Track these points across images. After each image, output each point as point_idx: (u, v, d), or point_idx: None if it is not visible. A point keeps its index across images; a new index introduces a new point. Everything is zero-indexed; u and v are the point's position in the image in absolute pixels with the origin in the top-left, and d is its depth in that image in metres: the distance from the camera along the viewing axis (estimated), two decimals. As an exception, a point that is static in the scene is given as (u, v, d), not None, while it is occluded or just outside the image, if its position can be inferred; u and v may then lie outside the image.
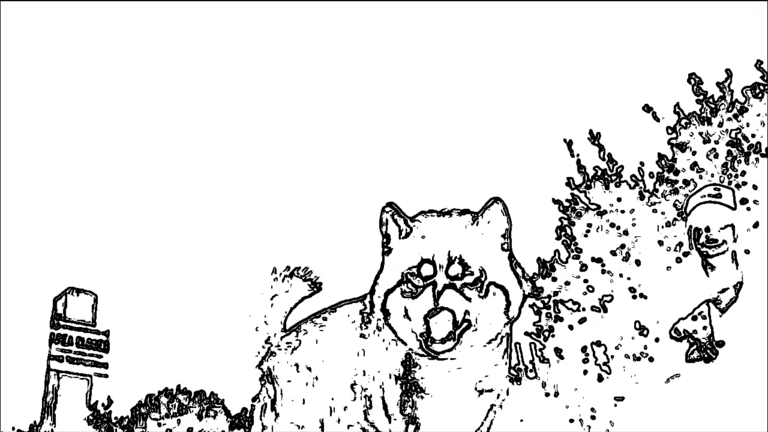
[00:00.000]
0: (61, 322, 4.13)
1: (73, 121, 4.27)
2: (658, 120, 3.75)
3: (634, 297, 3.63)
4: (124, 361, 4.12)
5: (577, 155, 3.79)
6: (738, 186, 3.63)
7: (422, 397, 3.14)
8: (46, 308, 4.13)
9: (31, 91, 4.28)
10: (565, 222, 3.76)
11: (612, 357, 3.60)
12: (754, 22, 3.89)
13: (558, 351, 3.65)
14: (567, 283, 3.70)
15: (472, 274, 3.05)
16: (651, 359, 3.58)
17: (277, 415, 3.32)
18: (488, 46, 4.11)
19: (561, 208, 3.78)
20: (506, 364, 3.17)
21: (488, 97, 4.06)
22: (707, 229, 3.58)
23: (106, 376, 4.16)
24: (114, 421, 4.05)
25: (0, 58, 4.28)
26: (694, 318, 3.56)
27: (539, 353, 3.66)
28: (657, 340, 3.59)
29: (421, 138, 4.06)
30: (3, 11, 4.33)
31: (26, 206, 4.17)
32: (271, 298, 3.45)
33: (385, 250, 3.15)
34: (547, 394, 3.62)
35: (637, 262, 3.66)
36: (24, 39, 4.32)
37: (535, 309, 3.70)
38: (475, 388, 3.14)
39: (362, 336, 3.23)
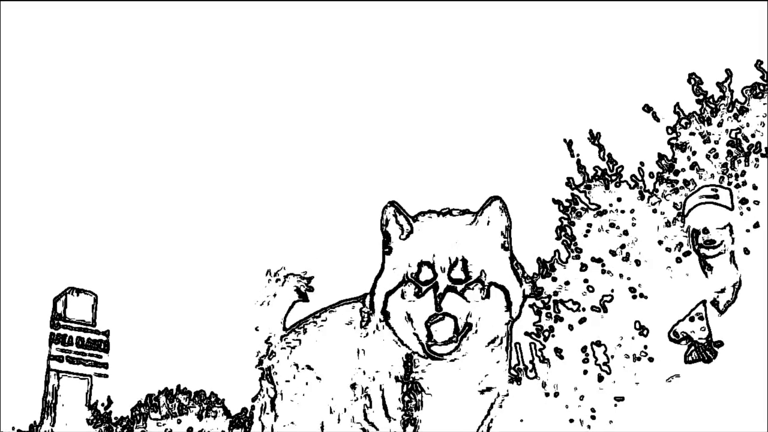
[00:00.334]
0: (61, 322, 4.13)
1: (73, 122, 4.27)
2: (658, 120, 3.75)
3: (634, 297, 3.63)
4: (124, 361, 4.12)
5: (577, 155, 3.79)
6: (738, 186, 3.63)
7: (422, 398, 3.14)
8: (46, 308, 4.13)
9: (31, 91, 4.28)
10: (565, 222, 3.76)
11: (612, 357, 3.60)
12: (754, 22, 3.89)
13: (558, 351, 3.65)
14: (567, 283, 3.70)
15: (473, 275, 3.05)
16: (651, 359, 3.58)
17: (276, 414, 3.31)
18: (488, 46, 4.11)
19: (561, 208, 3.77)
20: (507, 363, 3.17)
21: (488, 97, 4.06)
22: (705, 230, 3.58)
23: (106, 376, 4.16)
24: (114, 421, 4.05)
25: (0, 58, 4.28)
26: (692, 319, 3.57)
27: (539, 353, 3.66)
28: (656, 340, 3.59)
29: (422, 138, 4.06)
30: (3, 11, 4.33)
31: (26, 206, 4.17)
32: (267, 302, 3.45)
33: (386, 250, 3.15)
34: (547, 394, 3.62)
35: (637, 262, 3.66)
36: (24, 39, 4.32)
37: (535, 309, 3.70)
38: (477, 388, 3.14)
39: (362, 335, 3.23)
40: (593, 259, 3.70)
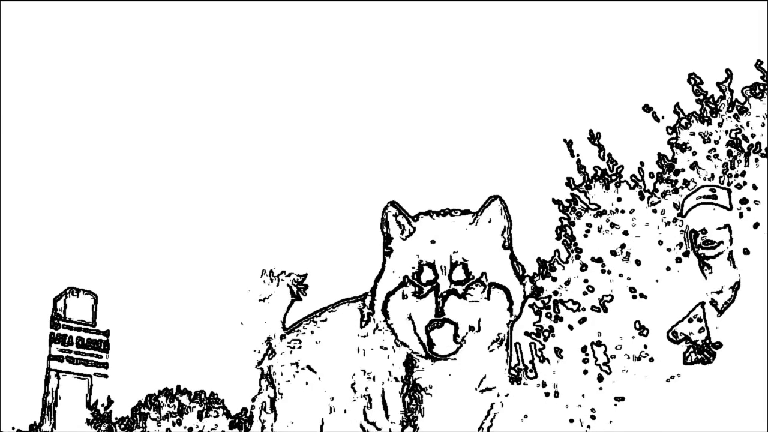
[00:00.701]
0: (61, 322, 4.13)
1: (73, 122, 4.27)
2: (658, 120, 3.75)
3: (634, 297, 3.63)
4: (124, 361, 4.12)
5: (577, 155, 3.79)
6: (738, 186, 3.63)
7: (422, 398, 3.14)
8: (46, 308, 4.13)
9: (31, 91, 4.28)
10: (565, 222, 3.76)
11: (612, 357, 3.60)
12: (754, 22, 3.89)
13: (558, 351, 3.65)
14: (567, 283, 3.70)
15: (474, 276, 3.05)
16: (651, 359, 3.58)
17: (276, 414, 3.31)
18: (488, 47, 4.11)
19: (561, 208, 3.77)
20: (507, 363, 3.17)
21: (488, 97, 4.06)
22: (704, 231, 3.58)
23: (106, 376, 4.15)
24: (114, 421, 4.05)
25: (0, 58, 4.28)
26: (690, 321, 3.57)
27: (539, 353, 3.66)
28: (656, 340, 3.59)
29: (422, 138, 4.06)
30: (3, 11, 4.33)
31: (26, 206, 4.17)
32: (266, 299, 3.45)
33: (386, 250, 3.15)
34: (547, 394, 3.62)
35: (637, 262, 3.66)
36: (24, 39, 4.32)
37: (535, 309, 3.70)
38: (477, 387, 3.14)
39: (362, 335, 3.23)
40: (593, 259, 3.70)
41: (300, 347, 3.33)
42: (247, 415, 3.80)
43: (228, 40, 4.26)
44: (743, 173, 3.64)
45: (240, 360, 3.45)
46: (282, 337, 3.39)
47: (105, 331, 4.18)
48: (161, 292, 3.99)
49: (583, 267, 3.69)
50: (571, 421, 3.58)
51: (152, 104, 4.25)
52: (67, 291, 4.14)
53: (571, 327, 3.66)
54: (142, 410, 4.02)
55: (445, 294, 3.04)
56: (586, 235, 3.73)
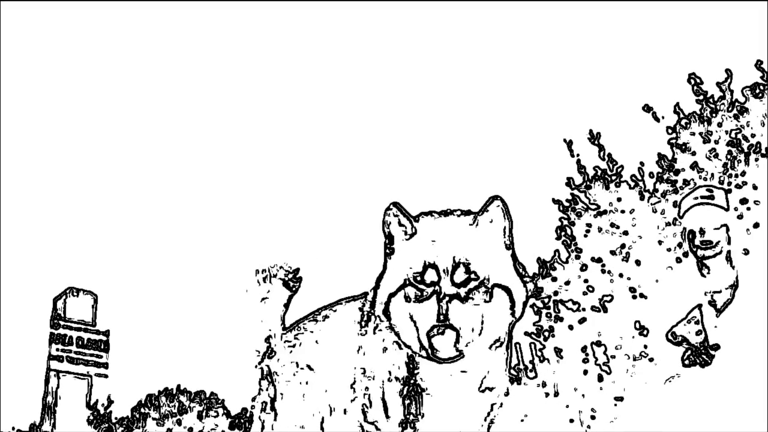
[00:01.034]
0: (61, 322, 4.12)
1: (73, 121, 4.27)
2: (658, 120, 3.75)
3: (634, 297, 3.63)
4: (124, 361, 4.12)
5: (577, 155, 3.79)
6: (738, 186, 3.63)
7: (422, 398, 3.14)
8: (46, 308, 4.13)
9: (31, 91, 4.28)
10: (565, 222, 3.76)
11: (612, 357, 3.60)
12: (754, 22, 3.89)
13: (558, 351, 3.65)
14: (567, 283, 3.70)
15: (476, 278, 3.05)
16: (651, 359, 3.58)
17: (276, 414, 3.31)
18: (488, 46, 4.11)
19: (561, 208, 3.77)
20: (507, 362, 3.17)
21: (488, 97, 4.06)
22: (701, 231, 3.58)
23: (106, 376, 4.15)
24: (114, 421, 4.05)
25: (0, 58, 4.28)
26: (688, 322, 3.57)
27: (539, 353, 3.66)
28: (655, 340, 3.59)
29: (422, 138, 4.06)
30: (3, 11, 4.33)
31: (26, 206, 4.17)
32: (263, 299, 3.44)
33: (388, 251, 3.15)
34: (547, 394, 3.62)
35: (637, 262, 3.66)
36: (24, 39, 4.32)
37: (535, 309, 3.70)
38: (477, 387, 3.14)
39: (362, 335, 3.23)
40: (593, 259, 3.70)
41: (300, 347, 3.33)
42: (247, 415, 3.80)
43: (228, 39, 4.26)
44: (743, 173, 3.65)
45: (240, 360, 3.45)
46: (282, 336, 3.39)
47: (105, 331, 4.18)
48: (161, 292, 3.99)
49: (583, 267, 3.69)
50: (571, 421, 3.58)
51: (152, 104, 4.25)
52: (67, 291, 4.13)
53: (571, 327, 3.66)
54: (142, 410, 4.02)
55: (447, 298, 3.03)
56: (586, 235, 3.73)
